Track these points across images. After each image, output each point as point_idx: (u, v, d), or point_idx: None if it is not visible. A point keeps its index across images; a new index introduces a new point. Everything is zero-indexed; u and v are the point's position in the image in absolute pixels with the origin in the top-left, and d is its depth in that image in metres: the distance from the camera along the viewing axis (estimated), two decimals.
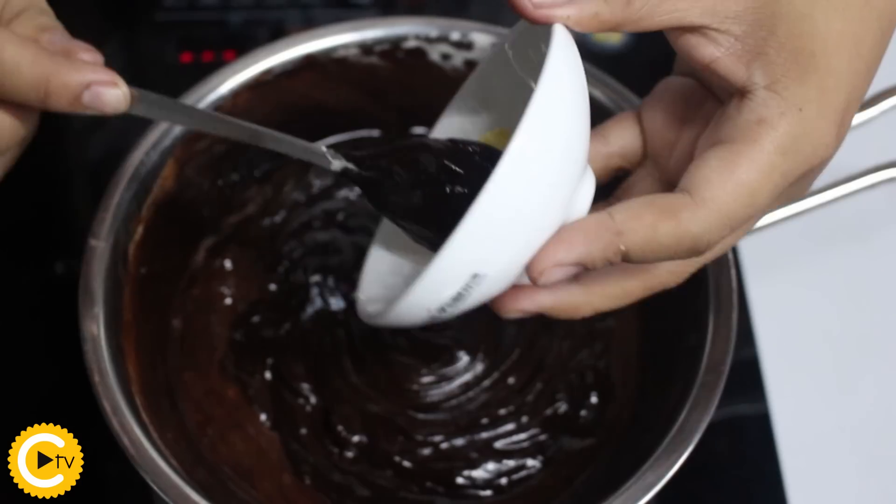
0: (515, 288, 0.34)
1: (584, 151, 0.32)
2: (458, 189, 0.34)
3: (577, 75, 0.32)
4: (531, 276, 0.31)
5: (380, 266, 0.42)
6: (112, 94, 0.32)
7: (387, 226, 0.43)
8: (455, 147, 0.35)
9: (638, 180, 0.37)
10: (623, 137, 0.37)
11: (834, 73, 0.31)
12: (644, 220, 0.31)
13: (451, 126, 0.41)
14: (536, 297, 0.34)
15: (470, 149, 0.35)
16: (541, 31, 0.33)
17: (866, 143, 0.51)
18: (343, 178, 0.37)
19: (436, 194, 0.34)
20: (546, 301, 0.34)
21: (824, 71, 0.31)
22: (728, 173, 0.31)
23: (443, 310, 0.32)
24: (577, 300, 0.34)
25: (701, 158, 0.31)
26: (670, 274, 0.35)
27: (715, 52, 0.32)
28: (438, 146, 0.36)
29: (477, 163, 0.34)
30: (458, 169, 0.34)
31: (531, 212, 0.30)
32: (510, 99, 0.38)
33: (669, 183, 0.35)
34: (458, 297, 0.31)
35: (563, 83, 0.31)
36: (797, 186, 0.33)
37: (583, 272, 0.32)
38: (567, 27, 0.32)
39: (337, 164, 0.37)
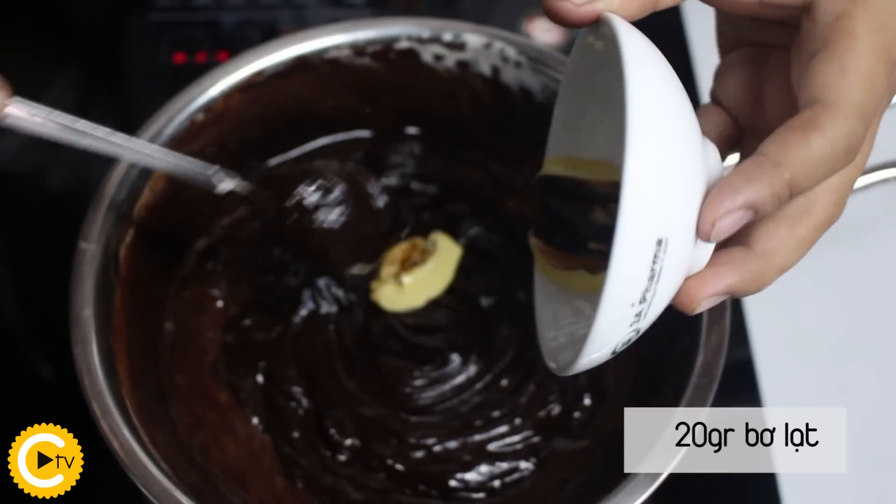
0: (693, 279, 0.32)
1: (690, 108, 0.32)
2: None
3: (650, 46, 0.31)
4: (704, 231, 0.30)
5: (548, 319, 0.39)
6: None
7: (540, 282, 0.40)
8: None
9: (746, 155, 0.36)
10: (712, 124, 0.37)
11: None
12: (793, 143, 0.30)
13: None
14: (718, 277, 0.32)
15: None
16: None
17: None
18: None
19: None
20: (730, 277, 0.32)
21: None
22: (840, 71, 0.31)
23: (643, 300, 0.30)
24: (759, 266, 0.33)
25: (807, 74, 0.31)
26: (833, 204, 0.34)
27: None
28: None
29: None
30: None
31: (678, 162, 0.30)
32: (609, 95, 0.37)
33: None
34: (653, 275, 0.30)
35: (642, 57, 0.30)
36: None
37: (752, 234, 0.32)
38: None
39: (225, 186, 0.36)
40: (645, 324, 0.32)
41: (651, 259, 0.29)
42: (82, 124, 0.38)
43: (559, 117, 0.38)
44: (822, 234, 0.34)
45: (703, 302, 0.33)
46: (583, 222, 0.35)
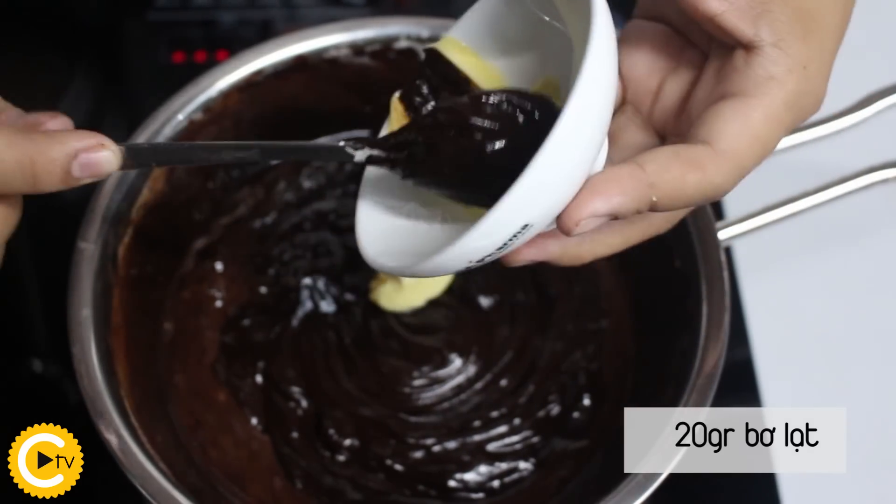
0: (525, 245, 0.34)
1: (610, 112, 0.33)
2: (496, 144, 0.33)
3: (612, 25, 0.32)
4: (566, 226, 0.31)
5: (377, 221, 0.39)
6: (102, 156, 0.30)
7: (371, 182, 0.40)
8: (479, 102, 0.34)
9: (622, 127, 0.37)
10: None
11: (830, 33, 0.33)
12: (673, 171, 0.32)
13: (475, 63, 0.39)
14: (545, 245, 0.35)
15: (493, 100, 0.34)
16: None
17: (860, 144, 0.51)
18: (370, 163, 0.36)
19: (469, 154, 0.33)
20: (554, 249, 0.35)
21: (823, 31, 0.33)
22: (744, 127, 0.32)
23: (482, 260, 0.32)
24: (582, 248, 0.35)
25: (715, 111, 0.33)
26: (666, 221, 0.36)
27: (721, 7, 0.33)
28: (459, 105, 0.35)
29: (507, 113, 0.33)
30: (489, 125, 0.33)
31: (580, 162, 0.31)
32: (530, 37, 0.37)
33: (657, 130, 0.37)
34: (502, 248, 0.32)
35: (609, 35, 0.31)
36: None
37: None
38: None
39: (360, 154, 0.36)
40: (473, 267, 0.33)
41: (509, 237, 0.31)
42: (198, 144, 0.38)
43: (479, 9, 0.38)
44: (644, 240, 0.36)
45: (519, 262, 0.35)
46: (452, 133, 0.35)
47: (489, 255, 0.32)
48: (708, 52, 0.35)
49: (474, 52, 0.38)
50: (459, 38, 0.38)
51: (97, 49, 0.65)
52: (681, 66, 0.36)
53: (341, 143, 0.36)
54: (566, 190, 0.31)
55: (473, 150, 0.33)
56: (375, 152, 0.36)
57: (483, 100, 0.34)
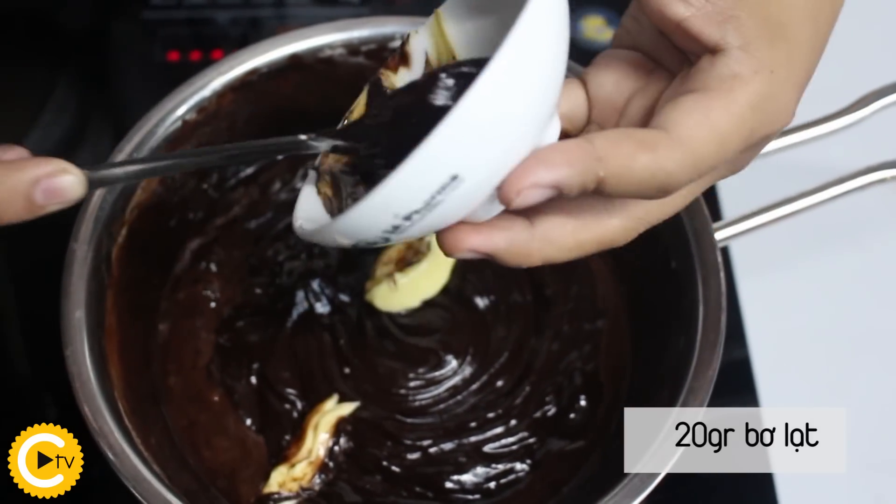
0: (467, 225, 0.32)
1: (562, 77, 0.32)
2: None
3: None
4: (507, 195, 0.30)
5: (314, 198, 0.39)
6: (66, 181, 0.30)
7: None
8: (433, 80, 0.34)
9: None
10: (569, 101, 0.37)
11: (799, 45, 0.32)
12: (623, 148, 0.31)
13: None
14: (491, 236, 0.33)
15: (446, 77, 0.34)
16: None
17: (857, 144, 0.51)
18: (334, 152, 0.36)
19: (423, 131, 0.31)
20: (500, 242, 0.33)
21: (792, 41, 0.32)
22: (703, 118, 0.31)
23: (409, 218, 0.30)
24: (531, 246, 0.33)
25: (675, 102, 0.32)
26: (623, 230, 0.34)
27: (686, 12, 0.32)
28: (414, 87, 0.35)
29: (461, 86, 0.33)
30: (443, 102, 0.33)
31: (514, 118, 0.30)
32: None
33: None
34: (429, 204, 0.30)
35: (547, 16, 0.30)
36: (750, 152, 0.34)
37: (539, 215, 0.32)
38: None
39: (323, 145, 0.35)
40: (397, 238, 0.32)
41: (436, 189, 0.29)
42: (161, 156, 0.38)
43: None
44: (599, 249, 0.34)
45: (464, 252, 0.33)
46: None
47: (417, 212, 0.30)
48: (677, 73, 0.34)
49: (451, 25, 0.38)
50: (444, 10, 0.38)
51: (85, 51, 0.65)
52: (649, 84, 0.35)
53: (303, 137, 0.35)
54: (500, 146, 0.30)
55: (427, 126, 0.31)
56: (338, 142, 0.35)
57: (437, 77, 0.34)
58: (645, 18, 0.36)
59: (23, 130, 0.59)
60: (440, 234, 0.33)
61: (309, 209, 0.37)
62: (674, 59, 0.35)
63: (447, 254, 0.33)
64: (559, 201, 0.32)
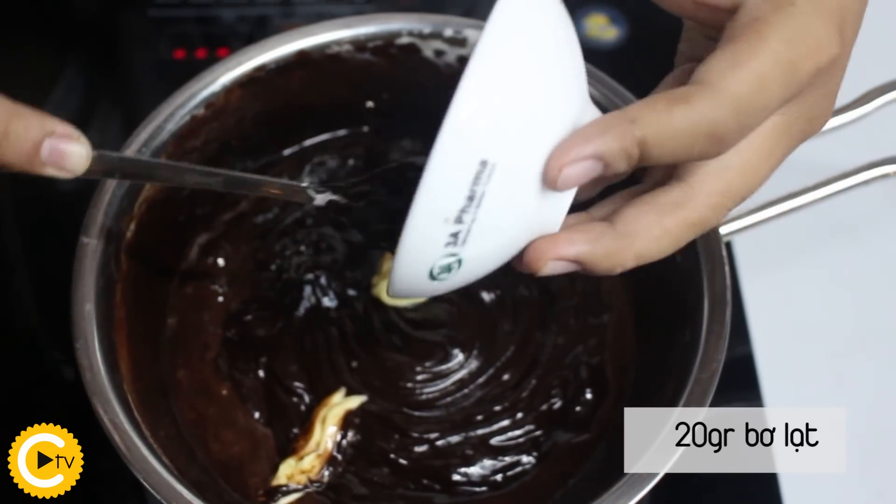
0: (544, 238, 0.32)
1: (576, 55, 0.31)
2: None
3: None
4: (550, 175, 0.29)
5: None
6: (73, 149, 0.29)
7: None
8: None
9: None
10: None
11: None
12: (657, 106, 0.30)
13: None
14: (571, 240, 0.32)
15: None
16: None
17: (860, 139, 0.51)
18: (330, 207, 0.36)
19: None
20: (583, 245, 0.32)
21: None
22: (732, 62, 0.30)
23: (460, 220, 0.29)
24: (617, 244, 0.32)
25: (706, 59, 0.31)
26: (710, 208, 0.33)
27: None
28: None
29: None
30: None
31: (523, 92, 0.29)
32: None
33: None
34: (472, 199, 0.28)
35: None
36: (813, 94, 0.33)
37: (619, 213, 0.32)
38: None
39: (320, 198, 0.36)
40: (468, 253, 0.30)
41: (471, 179, 0.28)
42: (165, 164, 0.39)
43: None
44: (693, 234, 0.33)
45: (549, 264, 0.32)
46: None
47: (464, 210, 0.29)
48: None
49: None
50: None
51: (92, 44, 0.65)
52: None
53: (304, 185, 0.36)
54: (518, 124, 0.29)
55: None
56: (336, 198, 0.36)
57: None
58: (695, 34, 0.35)
59: None
60: (523, 257, 0.32)
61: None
62: (716, 23, 0.33)
63: (533, 273, 0.32)
64: (631, 194, 0.32)
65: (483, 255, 0.31)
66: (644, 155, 0.30)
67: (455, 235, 0.30)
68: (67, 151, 0.30)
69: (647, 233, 0.32)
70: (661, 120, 0.30)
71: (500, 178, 0.29)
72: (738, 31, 0.31)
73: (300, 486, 0.46)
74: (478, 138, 0.29)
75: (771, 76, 0.30)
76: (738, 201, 0.34)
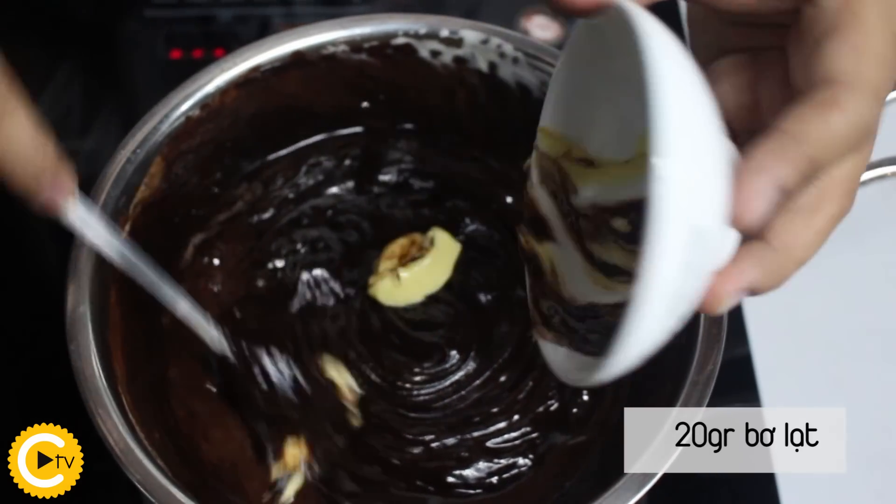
0: (718, 278, 0.31)
1: (710, 94, 0.31)
2: None
3: (667, 32, 0.30)
4: (741, 215, 0.29)
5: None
6: (68, 202, 0.35)
7: None
8: None
9: None
10: None
11: None
12: (813, 120, 0.30)
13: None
14: (742, 271, 0.32)
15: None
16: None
17: None
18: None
19: None
20: (752, 272, 0.32)
21: None
22: (854, 52, 0.30)
23: (686, 294, 0.28)
24: (778, 260, 0.32)
25: (818, 55, 0.31)
26: (844, 196, 0.33)
27: None
28: None
29: None
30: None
31: (707, 143, 0.29)
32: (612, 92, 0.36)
33: None
34: (689, 268, 0.28)
35: (662, 41, 0.29)
36: None
37: (768, 230, 0.32)
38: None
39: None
40: (678, 323, 0.30)
41: (683, 247, 0.28)
42: (136, 256, 0.42)
43: (557, 92, 0.37)
44: (836, 225, 0.34)
45: (726, 300, 0.32)
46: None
47: (691, 285, 0.29)
48: (780, 45, 0.33)
49: (563, 136, 0.38)
50: (547, 124, 0.38)
51: (89, 44, 0.65)
52: (763, 70, 0.35)
53: (214, 333, 0.43)
54: (713, 174, 0.28)
55: None
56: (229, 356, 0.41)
57: None
58: (716, 24, 0.36)
59: None
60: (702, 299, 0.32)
61: (555, 358, 0.37)
62: (768, 36, 0.34)
63: (712, 312, 0.32)
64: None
65: (687, 315, 0.31)
66: (815, 170, 0.30)
67: (684, 314, 0.30)
68: (62, 200, 0.36)
69: (801, 240, 0.33)
70: (823, 132, 0.30)
71: (708, 244, 0.29)
72: (836, 18, 0.31)
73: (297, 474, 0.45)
74: (688, 205, 0.28)
75: (886, 54, 0.31)
76: (861, 174, 0.34)
